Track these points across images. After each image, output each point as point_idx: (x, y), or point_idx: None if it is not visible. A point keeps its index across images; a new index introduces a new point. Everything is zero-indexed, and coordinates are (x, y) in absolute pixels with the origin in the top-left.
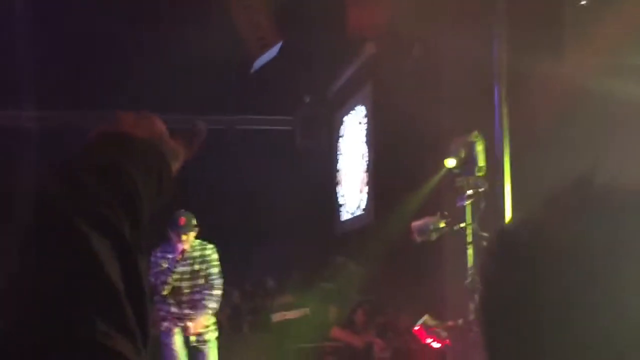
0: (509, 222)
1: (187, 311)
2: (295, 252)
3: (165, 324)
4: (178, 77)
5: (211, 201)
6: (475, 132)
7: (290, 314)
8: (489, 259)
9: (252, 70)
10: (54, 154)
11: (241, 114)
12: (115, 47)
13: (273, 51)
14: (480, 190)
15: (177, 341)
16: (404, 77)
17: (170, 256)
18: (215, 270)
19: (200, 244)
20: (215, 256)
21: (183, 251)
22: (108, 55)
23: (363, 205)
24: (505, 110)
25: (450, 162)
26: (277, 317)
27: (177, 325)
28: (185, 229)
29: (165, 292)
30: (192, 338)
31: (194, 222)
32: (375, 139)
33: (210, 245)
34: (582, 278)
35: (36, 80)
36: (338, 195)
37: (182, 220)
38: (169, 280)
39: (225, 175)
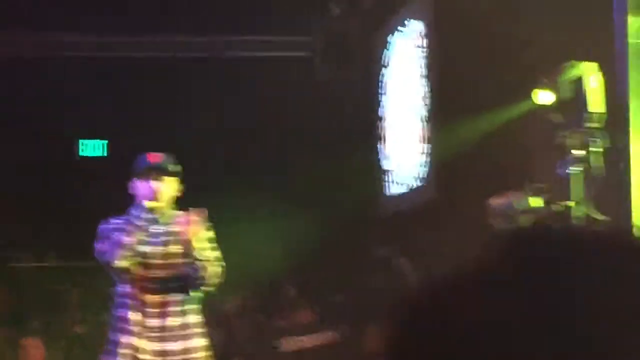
0: None
1: (151, 321)
2: (321, 243)
3: (116, 337)
4: None
5: (197, 155)
6: (587, 63)
7: (310, 340)
8: None
9: None
10: None
11: (238, 35)
12: None
13: None
14: (594, 150)
15: None
16: None
17: (129, 218)
18: (208, 251)
19: (182, 214)
20: (210, 234)
21: (153, 196)
22: None
23: (420, 173)
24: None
25: (543, 97)
26: (288, 344)
27: (131, 343)
28: (160, 171)
29: (116, 264)
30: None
31: (175, 167)
32: (440, 71)
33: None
34: None
35: None
36: (381, 157)
37: (155, 156)
38: (126, 240)
39: (217, 123)
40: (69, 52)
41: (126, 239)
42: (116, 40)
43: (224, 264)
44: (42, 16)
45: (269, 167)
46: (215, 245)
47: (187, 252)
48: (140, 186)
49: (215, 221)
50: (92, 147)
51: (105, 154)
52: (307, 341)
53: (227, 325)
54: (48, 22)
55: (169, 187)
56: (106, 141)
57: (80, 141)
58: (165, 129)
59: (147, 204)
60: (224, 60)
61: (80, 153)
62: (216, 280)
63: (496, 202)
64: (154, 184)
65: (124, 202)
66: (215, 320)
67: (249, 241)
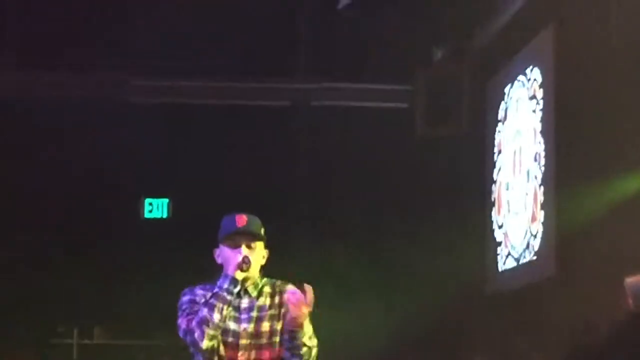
0: None
1: None
2: (417, 324)
3: None
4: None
5: (277, 216)
6: None
7: None
8: None
9: (341, 6)
10: None
11: (324, 81)
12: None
13: None
14: None
15: None
16: (610, 15)
17: (217, 290)
18: (311, 335)
19: (273, 284)
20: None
21: (244, 265)
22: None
23: (536, 246)
24: None
25: None
26: None
27: None
28: (251, 236)
29: (204, 345)
30: None
31: (262, 229)
32: (561, 128)
33: (291, 286)
34: None
35: None
36: (493, 226)
37: (242, 219)
38: (215, 318)
39: (301, 180)
40: (133, 97)
41: (216, 316)
42: (185, 84)
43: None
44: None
45: (360, 233)
46: (311, 327)
47: (291, 333)
48: (228, 254)
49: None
50: (157, 208)
51: (166, 215)
52: None
53: None
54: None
55: (259, 254)
56: (167, 200)
57: (147, 200)
58: (241, 186)
59: (238, 275)
60: (311, 109)
61: (147, 215)
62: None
63: (633, 280)
64: (245, 251)
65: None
66: None
67: (335, 320)
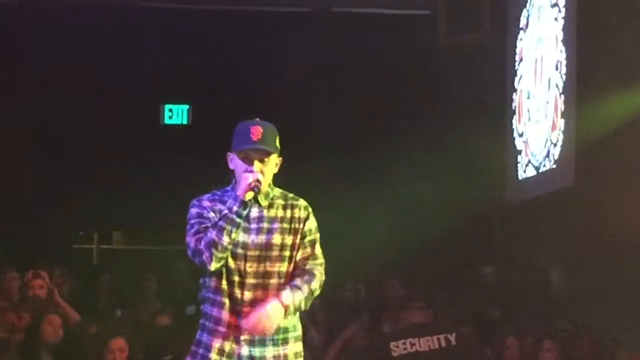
0: None
1: (244, 322)
2: (437, 231)
3: (204, 337)
4: None
5: (294, 125)
6: None
7: (423, 343)
8: None
9: None
10: None
11: None
12: None
13: None
14: None
15: None
16: None
17: (227, 199)
18: (317, 246)
19: (285, 197)
20: (314, 222)
21: (254, 187)
22: None
23: (556, 154)
24: None
25: None
26: (398, 347)
27: (220, 346)
28: (261, 148)
29: (213, 266)
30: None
31: (277, 140)
32: (583, 36)
33: (303, 202)
34: None
35: None
36: (513, 134)
37: (257, 130)
38: (224, 240)
39: (319, 88)
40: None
41: (225, 239)
42: None
43: (323, 271)
44: None
45: (379, 140)
46: (319, 245)
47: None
48: (240, 169)
49: (313, 205)
50: (177, 114)
51: (186, 122)
52: (418, 345)
53: (327, 326)
54: None
55: (271, 166)
56: (187, 106)
57: (167, 106)
58: (261, 92)
59: (248, 196)
60: (332, 16)
61: (167, 121)
62: (319, 290)
63: None
64: (257, 167)
65: (208, 177)
66: (313, 319)
67: (353, 228)
